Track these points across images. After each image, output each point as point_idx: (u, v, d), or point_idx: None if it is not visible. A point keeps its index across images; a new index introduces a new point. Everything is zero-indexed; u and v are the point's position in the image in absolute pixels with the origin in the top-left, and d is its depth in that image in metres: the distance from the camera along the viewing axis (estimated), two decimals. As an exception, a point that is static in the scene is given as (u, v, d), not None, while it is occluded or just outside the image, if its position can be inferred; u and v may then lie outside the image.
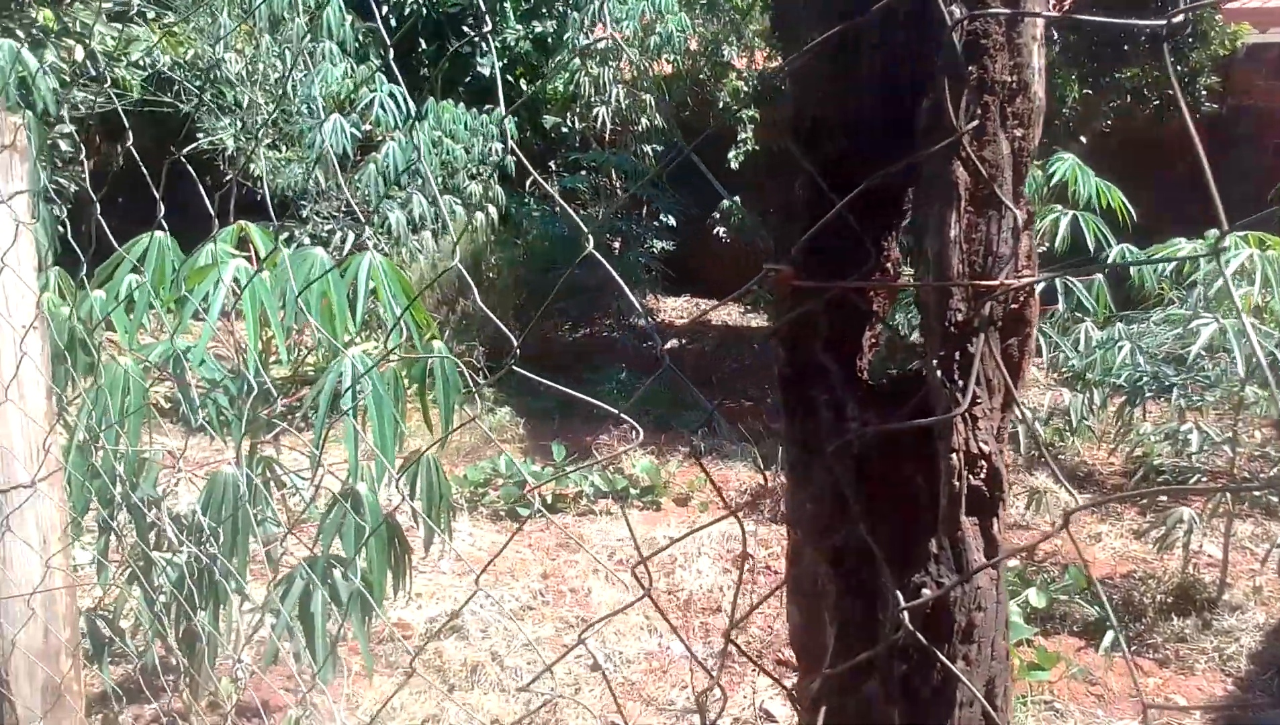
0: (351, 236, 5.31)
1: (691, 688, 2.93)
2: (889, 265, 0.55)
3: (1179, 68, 8.47)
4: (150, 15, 6.20)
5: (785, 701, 2.87)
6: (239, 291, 2.04)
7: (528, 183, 10.34)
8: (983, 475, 0.50)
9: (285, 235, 5.11)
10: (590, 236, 0.69)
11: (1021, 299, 0.49)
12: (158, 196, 1.07)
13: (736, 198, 10.84)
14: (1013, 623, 3.01)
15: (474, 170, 7.34)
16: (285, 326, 2.16)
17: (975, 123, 0.46)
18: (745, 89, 9.47)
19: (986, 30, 0.46)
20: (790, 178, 0.55)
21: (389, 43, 1.04)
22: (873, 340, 0.56)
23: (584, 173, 10.17)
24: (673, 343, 8.52)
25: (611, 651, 3.14)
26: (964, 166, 0.46)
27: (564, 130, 10.87)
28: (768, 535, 4.11)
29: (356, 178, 5.22)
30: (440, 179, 6.93)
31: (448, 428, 2.26)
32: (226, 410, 2.22)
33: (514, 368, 0.82)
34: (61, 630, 1.55)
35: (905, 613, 0.49)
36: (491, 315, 0.84)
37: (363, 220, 5.52)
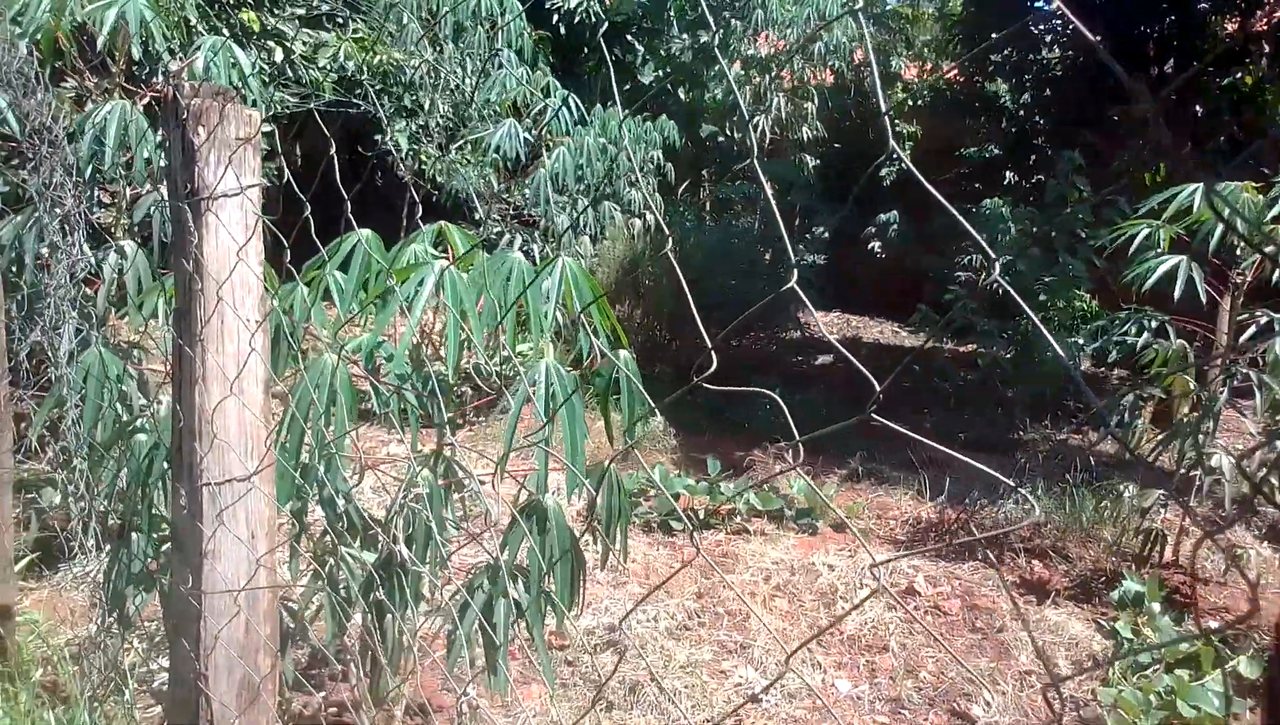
0: (519, 240, 5.36)
1: (861, 732, 2.76)
2: None
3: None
4: (340, 21, 6.47)
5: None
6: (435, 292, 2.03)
7: (679, 191, 10.31)
8: None
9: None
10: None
11: None
12: (416, 200, 1.01)
13: (894, 212, 10.51)
14: (1220, 696, 2.71)
15: (635, 177, 7.34)
16: (483, 328, 2.13)
17: None
18: (912, 102, 9.13)
19: None
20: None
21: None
22: None
23: (738, 182, 10.05)
24: (825, 359, 8.29)
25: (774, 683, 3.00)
26: None
27: (720, 140, 10.79)
28: (934, 572, 3.89)
29: (528, 182, 5.26)
30: (590, 185, 6.95)
31: (630, 439, 2.19)
32: (412, 407, 2.22)
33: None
34: (262, 626, 1.55)
35: None
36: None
37: (534, 223, 5.58)
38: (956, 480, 4.87)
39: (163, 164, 3.57)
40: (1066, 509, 4.36)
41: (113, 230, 3.36)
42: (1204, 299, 3.46)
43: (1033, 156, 8.65)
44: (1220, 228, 3.23)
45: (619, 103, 8.42)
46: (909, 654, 3.22)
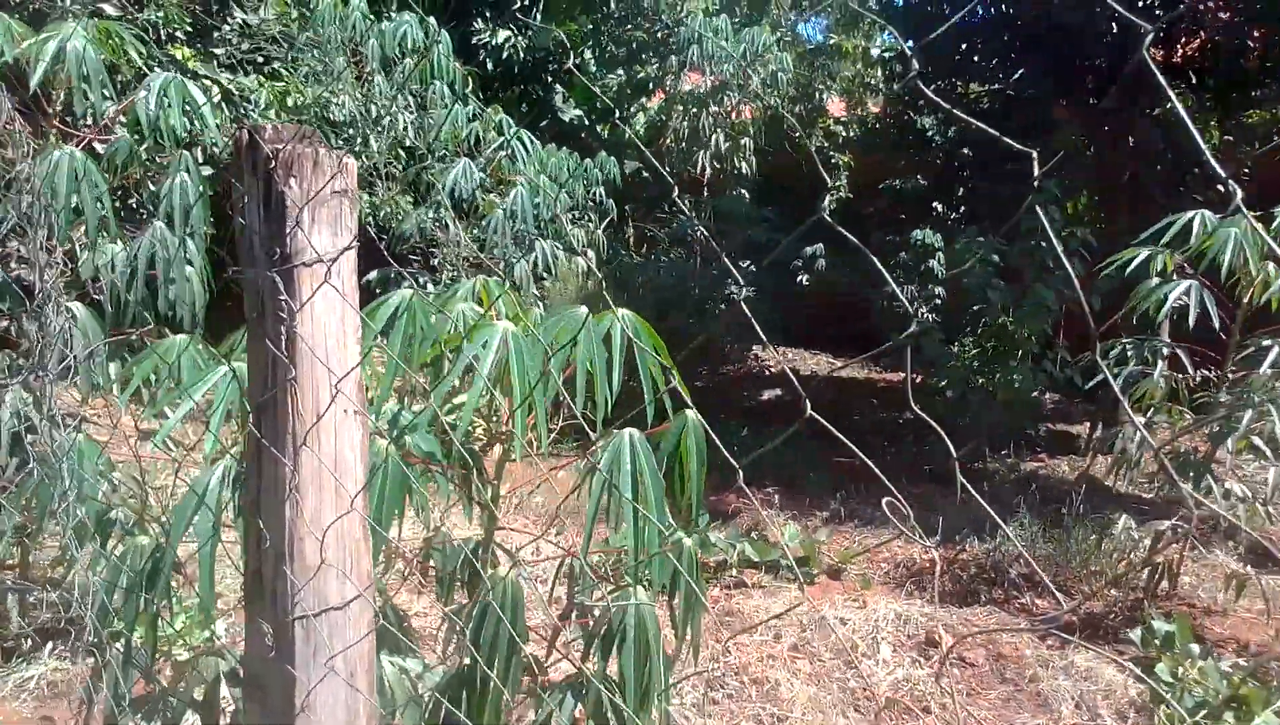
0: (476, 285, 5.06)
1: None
2: None
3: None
4: (259, 61, 6.09)
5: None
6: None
7: (602, 226, 10.10)
8: None
9: (406, 283, 4.89)
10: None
11: None
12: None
13: (819, 245, 10.56)
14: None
15: (577, 215, 7.14)
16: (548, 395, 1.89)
17: None
18: (844, 133, 9.20)
19: None
20: None
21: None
22: None
23: (679, 219, 9.90)
24: (772, 393, 8.20)
25: (823, 758, 2.79)
26: None
27: (644, 175, 10.68)
28: (948, 619, 3.75)
29: (485, 223, 5.00)
30: (542, 223, 6.72)
31: (698, 509, 1.98)
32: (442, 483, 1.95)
33: None
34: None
35: None
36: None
37: (484, 266, 5.29)
38: (945, 517, 4.77)
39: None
40: (1057, 541, 4.30)
41: (48, 288, 2.96)
42: (1216, 325, 3.45)
43: (960, 189, 8.80)
44: (1229, 254, 3.22)
45: (543, 140, 8.25)
46: (951, 715, 3.06)
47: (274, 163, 1.13)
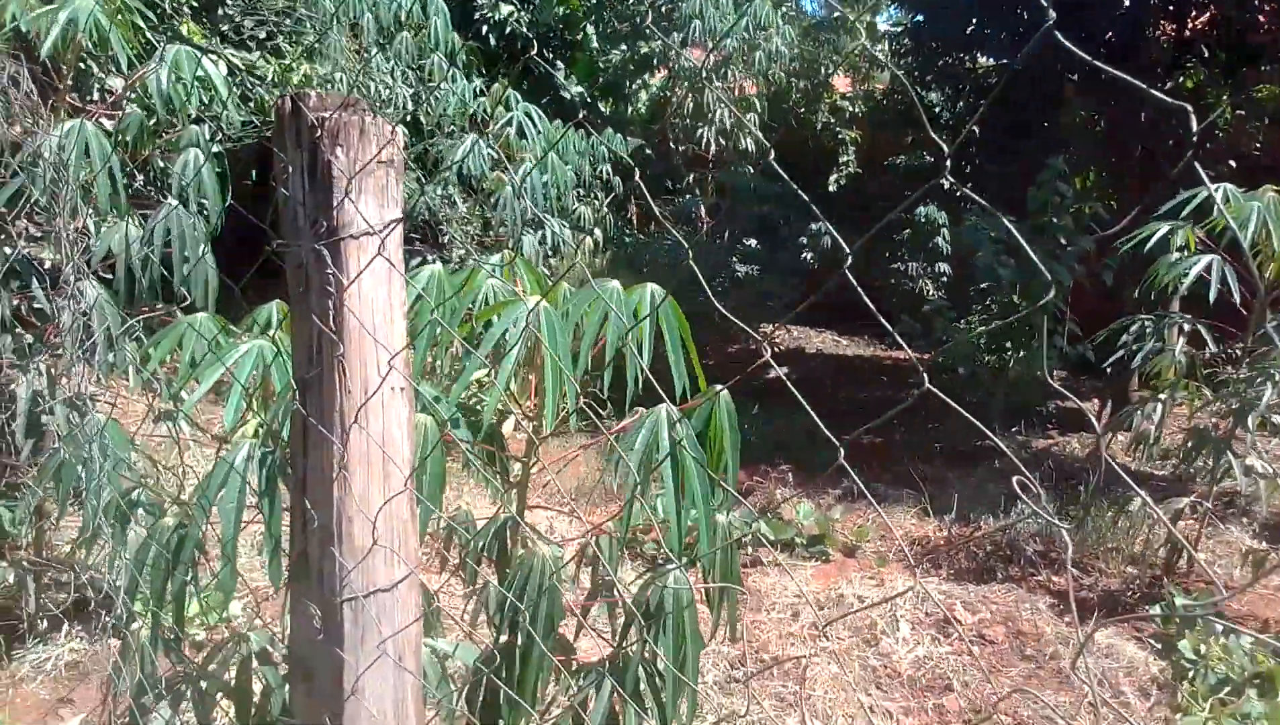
0: (488, 264, 5.02)
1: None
2: None
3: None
4: (262, 36, 6.01)
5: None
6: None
7: (604, 203, 10.07)
8: None
9: (417, 261, 4.85)
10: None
11: None
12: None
13: (825, 222, 10.48)
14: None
15: (582, 192, 7.09)
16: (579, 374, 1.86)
17: None
18: (851, 109, 9.11)
19: None
20: None
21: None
22: None
23: (688, 196, 9.81)
24: (778, 372, 8.17)
25: (846, 736, 2.79)
26: None
27: (647, 152, 10.61)
28: (968, 598, 3.74)
29: (493, 201, 4.95)
30: (548, 201, 6.67)
31: (733, 486, 1.94)
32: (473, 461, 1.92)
33: None
34: (410, 768, 1.24)
35: None
36: None
37: (490, 245, 5.26)
38: (958, 495, 4.75)
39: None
40: (1073, 518, 4.29)
41: (77, 265, 2.92)
42: (1237, 300, 3.41)
43: (967, 166, 8.73)
44: (1252, 228, 3.18)
45: (545, 116, 8.19)
46: (973, 692, 3.05)
47: (320, 131, 1.10)
